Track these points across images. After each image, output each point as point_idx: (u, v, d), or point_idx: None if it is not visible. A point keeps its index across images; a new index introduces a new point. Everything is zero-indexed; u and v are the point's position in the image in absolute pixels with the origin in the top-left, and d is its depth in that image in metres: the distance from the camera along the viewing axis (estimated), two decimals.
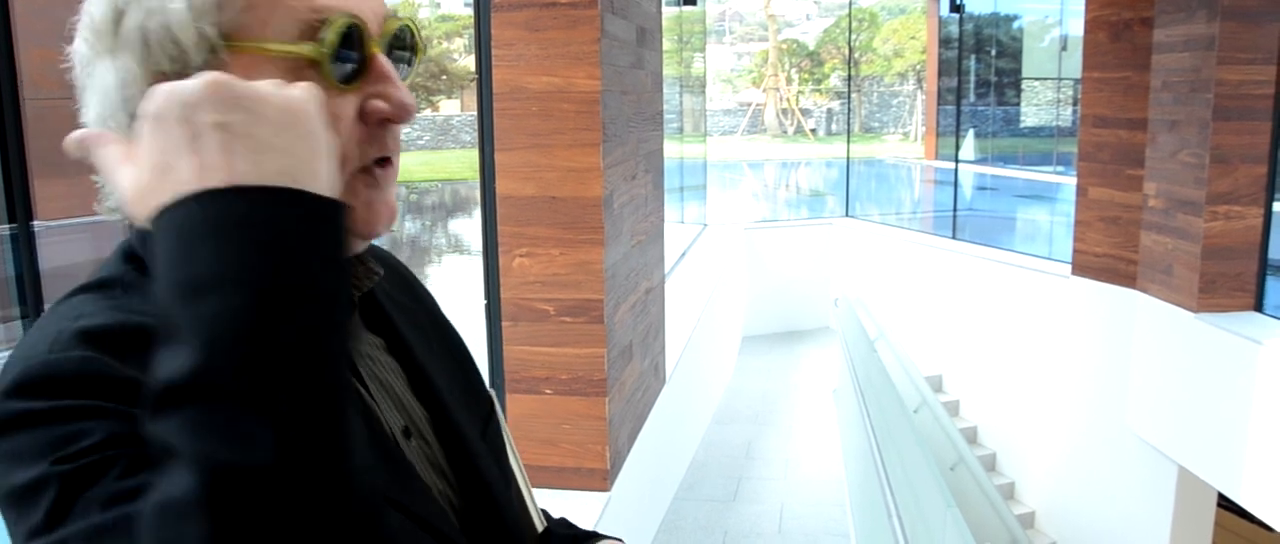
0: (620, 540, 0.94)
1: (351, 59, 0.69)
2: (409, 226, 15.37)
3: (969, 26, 16.12)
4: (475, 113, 3.11)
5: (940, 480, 4.31)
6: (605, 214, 2.93)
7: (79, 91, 0.70)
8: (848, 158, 12.02)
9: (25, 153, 1.99)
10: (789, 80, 30.84)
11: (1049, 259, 7.33)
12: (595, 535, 0.96)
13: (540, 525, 0.95)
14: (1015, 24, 17.51)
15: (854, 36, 26.61)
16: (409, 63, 0.78)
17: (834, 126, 29.80)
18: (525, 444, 2.97)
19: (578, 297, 2.94)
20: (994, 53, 17.38)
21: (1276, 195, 5.44)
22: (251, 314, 0.54)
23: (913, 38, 27.35)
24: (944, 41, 19.05)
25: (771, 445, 7.16)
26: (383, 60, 0.72)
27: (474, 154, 3.09)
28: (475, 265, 3.23)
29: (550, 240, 2.93)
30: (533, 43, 2.87)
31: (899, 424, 5.42)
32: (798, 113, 29.97)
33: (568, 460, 3.01)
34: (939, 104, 18.96)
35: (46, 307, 0.70)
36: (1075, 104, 17.29)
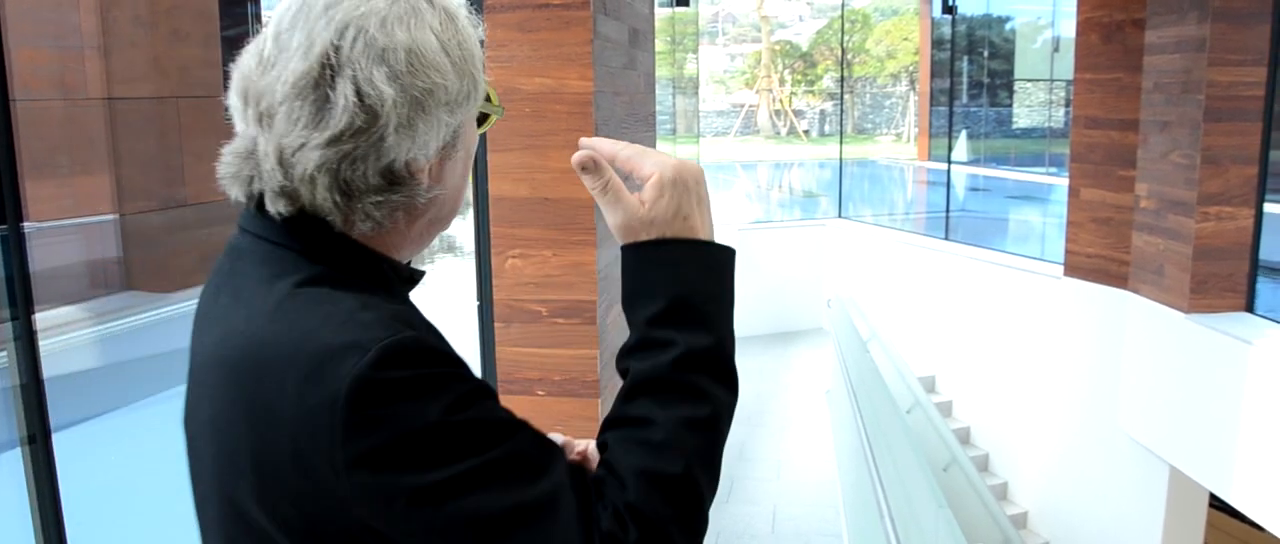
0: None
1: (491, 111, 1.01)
2: None
3: (961, 28, 16.14)
4: None
5: (932, 481, 4.31)
6: (598, 215, 2.92)
7: (401, 125, 0.86)
8: (841, 159, 12.02)
9: (15, 154, 1.98)
10: (782, 81, 30.84)
11: (1041, 260, 7.34)
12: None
13: None
14: (1007, 25, 17.55)
15: (847, 38, 26.63)
16: None
17: (827, 127, 29.77)
18: None
19: (570, 298, 2.93)
20: (986, 54, 17.41)
21: (1267, 196, 5.47)
22: (732, 323, 0.94)
23: (905, 39, 27.36)
24: (936, 43, 19.07)
25: (764, 446, 7.16)
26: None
27: None
28: (468, 266, 3.23)
29: (543, 242, 2.93)
30: (525, 44, 2.87)
31: (892, 425, 5.43)
32: (791, 114, 29.96)
33: None
34: (931, 105, 18.97)
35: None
36: (1067, 105, 17.34)
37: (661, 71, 10.53)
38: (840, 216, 11.16)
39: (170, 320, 6.66)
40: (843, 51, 21.47)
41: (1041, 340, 6.99)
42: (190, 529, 0.99)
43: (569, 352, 2.95)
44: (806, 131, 29.60)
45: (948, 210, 9.44)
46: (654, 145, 3.91)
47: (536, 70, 2.87)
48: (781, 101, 30.45)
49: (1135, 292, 5.96)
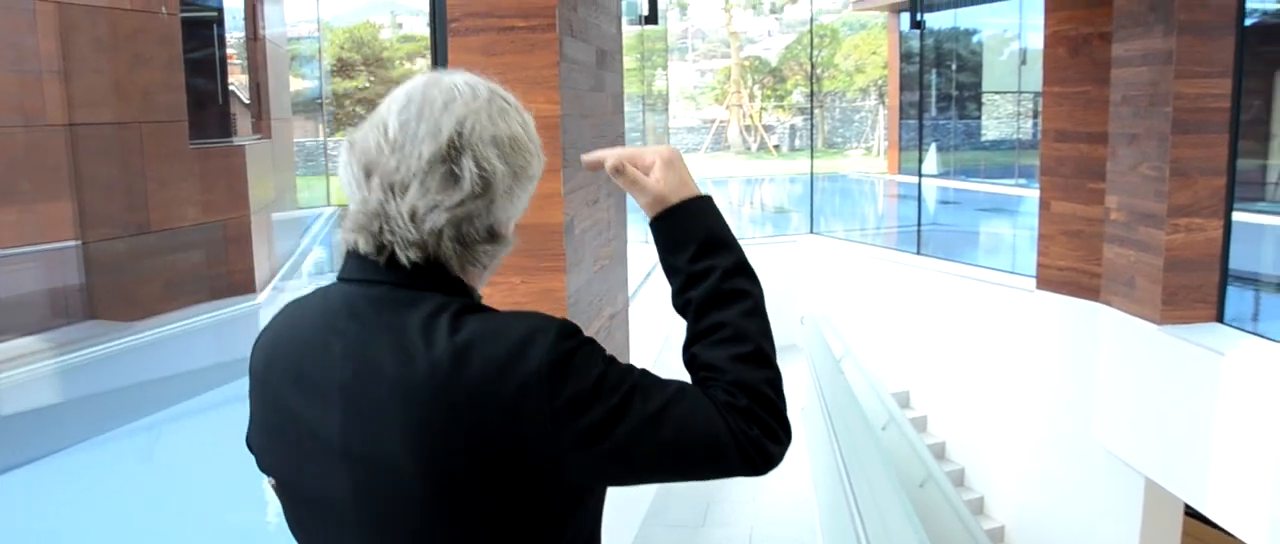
0: None
1: None
2: None
3: (929, 41, 16.23)
4: None
5: (906, 502, 4.27)
6: (567, 241, 2.87)
7: (504, 193, 1.13)
8: (812, 173, 12.02)
9: None
10: (752, 97, 30.89)
11: (1014, 273, 7.34)
12: None
13: None
14: (975, 38, 17.66)
15: (815, 53, 26.74)
16: None
17: (797, 142, 29.84)
18: None
19: None
20: (954, 67, 17.51)
21: (1235, 207, 5.49)
22: (735, 238, 1.25)
23: (873, 53, 27.51)
24: (905, 56, 19.16)
25: None
26: None
27: None
28: None
29: (511, 268, 2.87)
30: (490, 67, 2.80)
31: (866, 443, 5.40)
32: (761, 129, 30.02)
33: None
34: (901, 118, 19.05)
35: None
36: (1035, 117, 17.43)
37: (631, 88, 10.52)
38: (812, 232, 11.14)
39: (136, 350, 6.53)
40: (813, 64, 21.47)
41: (1015, 354, 6.99)
42: None
43: None
44: (777, 147, 29.64)
45: (919, 224, 9.45)
46: None
47: None
48: (751, 117, 30.51)
49: (1107, 304, 5.96)
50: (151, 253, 7.02)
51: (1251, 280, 6.84)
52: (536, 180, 1.20)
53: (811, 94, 22.95)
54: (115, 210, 6.90)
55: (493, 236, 1.12)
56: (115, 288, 6.97)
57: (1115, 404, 5.93)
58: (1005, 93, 17.30)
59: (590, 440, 1.03)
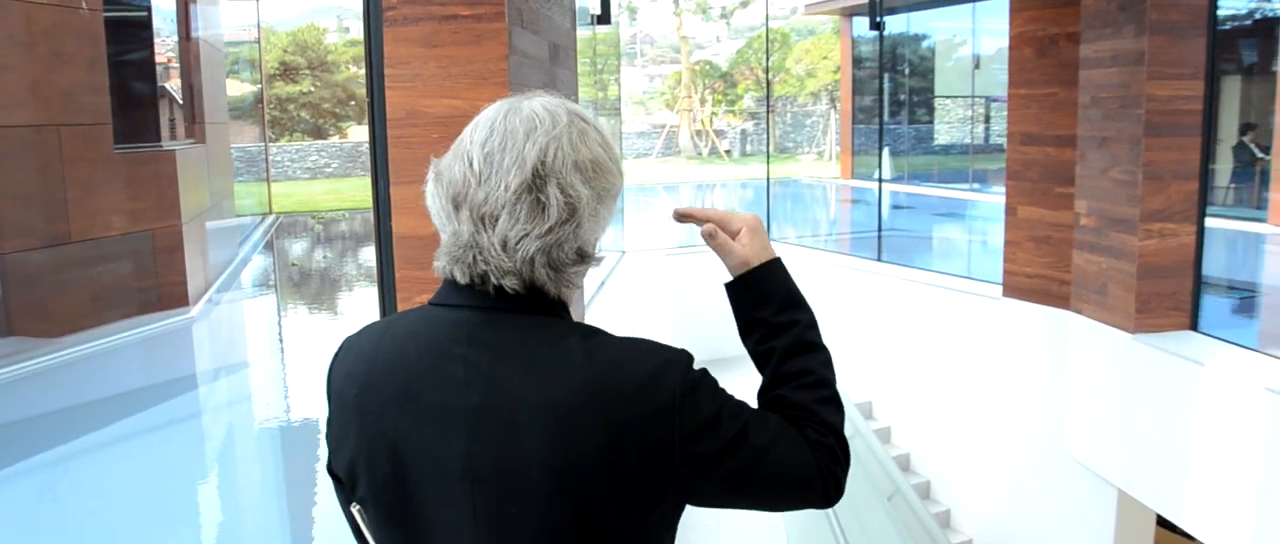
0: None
1: None
2: (319, 257, 14.75)
3: (887, 44, 16.15)
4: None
5: (889, 510, 4.04)
6: None
7: (590, 216, 1.14)
8: (768, 178, 11.82)
9: None
10: (702, 102, 30.79)
11: (979, 280, 7.16)
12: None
13: None
14: (925, 43, 17.63)
15: (766, 60, 26.67)
16: None
17: (748, 147, 29.80)
18: None
19: None
20: (907, 72, 17.46)
21: (1208, 211, 5.34)
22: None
23: (825, 58, 27.50)
24: (857, 61, 19.11)
25: None
26: None
27: None
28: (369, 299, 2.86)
29: None
30: (431, 61, 2.52)
31: None
32: (712, 134, 29.88)
33: None
34: (854, 123, 18.98)
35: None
36: (987, 121, 17.51)
37: (584, 93, 10.27)
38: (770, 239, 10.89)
39: (57, 370, 6.09)
40: (768, 70, 21.36)
41: (981, 363, 6.81)
42: None
43: None
44: (728, 151, 29.53)
45: (879, 230, 9.25)
46: None
47: (444, 90, 2.53)
48: (702, 122, 30.40)
49: (1078, 312, 5.80)
50: (73, 264, 6.55)
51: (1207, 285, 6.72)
52: (618, 197, 1.22)
53: (768, 98, 22.79)
54: (33, 219, 6.42)
55: (582, 257, 1.15)
56: (33, 302, 6.50)
57: (1086, 414, 5.77)
58: (957, 97, 17.28)
59: (709, 466, 1.10)
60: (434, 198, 1.18)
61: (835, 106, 25.70)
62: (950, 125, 18.41)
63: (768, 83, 23.44)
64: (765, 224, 8.80)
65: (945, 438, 7.42)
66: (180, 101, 8.49)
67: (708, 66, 32.06)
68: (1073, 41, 5.75)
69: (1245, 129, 10.22)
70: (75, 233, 6.52)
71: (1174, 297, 5.30)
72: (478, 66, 2.51)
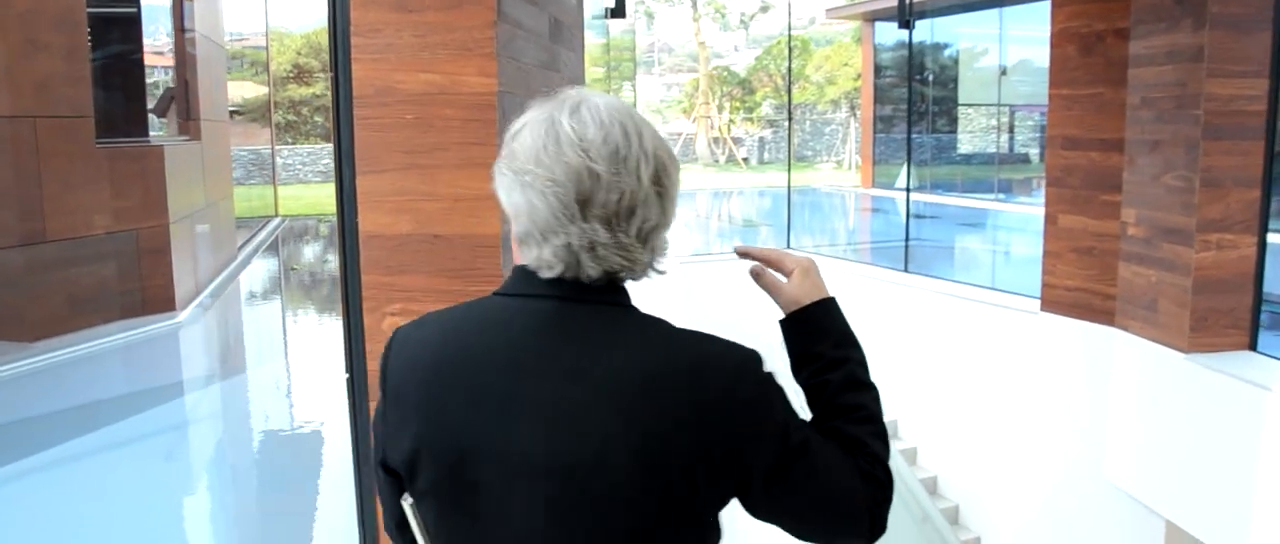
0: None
1: None
2: (326, 261, 14.41)
3: (904, 54, 15.75)
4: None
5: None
6: (506, 256, 2.19)
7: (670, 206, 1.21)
8: (789, 185, 11.44)
9: None
10: (720, 109, 30.47)
11: (1015, 293, 6.74)
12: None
13: None
14: (947, 52, 17.22)
15: (786, 65, 26.34)
16: None
17: (766, 155, 29.49)
18: None
19: None
20: (930, 79, 17.06)
21: (1270, 224, 4.93)
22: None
23: (845, 65, 27.12)
24: (878, 69, 18.76)
25: None
26: None
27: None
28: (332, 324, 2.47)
29: (433, 293, 2.19)
30: (405, 28, 2.14)
31: None
32: (729, 141, 29.54)
33: None
34: (875, 131, 18.60)
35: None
36: (1012, 131, 17.08)
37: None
38: (787, 247, 10.55)
39: (29, 377, 5.70)
40: (789, 75, 21.01)
41: (1016, 382, 6.39)
42: None
43: None
44: (745, 159, 29.22)
45: (907, 240, 8.83)
46: None
47: (421, 63, 2.15)
48: (720, 129, 30.08)
49: (1123, 329, 5.38)
50: (50, 265, 6.18)
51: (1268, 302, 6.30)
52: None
53: (789, 104, 22.43)
54: (6, 217, 6.05)
55: (665, 246, 1.18)
56: (6, 305, 6.14)
57: (1132, 439, 5.35)
58: (985, 105, 16.86)
59: (769, 470, 1.12)
60: (546, 196, 1.10)
61: (855, 114, 25.35)
62: (973, 134, 18.02)
63: (789, 86, 23.08)
64: (786, 232, 8.36)
65: (975, 460, 7.01)
66: (169, 96, 8.14)
67: (726, 73, 31.72)
68: (1121, 38, 5.34)
69: None
70: (51, 231, 6.15)
71: (1232, 313, 4.89)
72: (460, 34, 2.13)
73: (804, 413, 1.23)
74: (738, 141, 29.89)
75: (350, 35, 2.15)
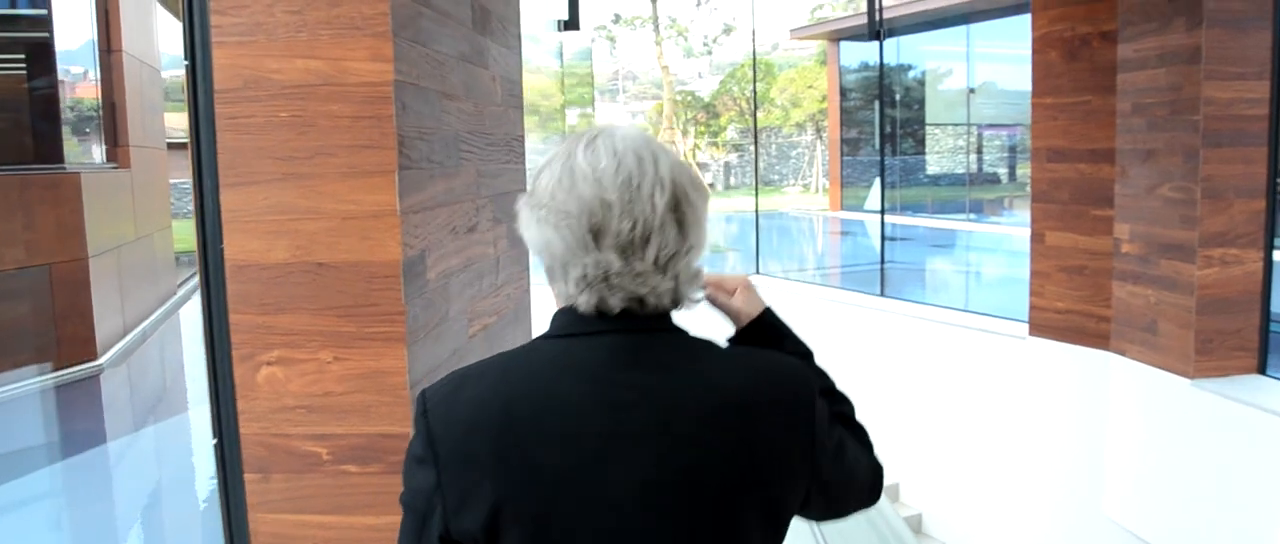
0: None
1: None
2: None
3: (871, 75, 15.50)
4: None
5: None
6: (410, 287, 1.75)
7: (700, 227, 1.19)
8: (757, 210, 11.10)
9: None
10: (685, 133, 30.22)
11: (1000, 317, 6.36)
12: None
13: None
14: (911, 73, 17.02)
15: (751, 88, 26.14)
16: None
17: (732, 180, 29.26)
18: None
19: (368, 430, 1.75)
20: (897, 99, 16.85)
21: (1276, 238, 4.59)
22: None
23: (810, 87, 26.95)
24: (843, 92, 18.58)
25: None
26: None
27: None
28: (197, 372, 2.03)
29: (320, 337, 1.75)
30: (277, 5, 1.71)
31: (833, 523, 4.35)
32: (694, 166, 29.28)
33: None
34: (843, 154, 18.37)
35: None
36: (980, 151, 16.87)
37: (555, 127, 9.82)
38: (758, 272, 10.17)
39: None
40: (754, 98, 20.80)
41: (1004, 412, 6.00)
42: None
43: (368, 519, 1.77)
44: (712, 184, 28.93)
45: (882, 262, 8.45)
46: (522, 179, 2.76)
47: (299, 47, 1.72)
48: (685, 154, 29.79)
49: (1120, 353, 5.02)
50: None
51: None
52: None
53: (754, 128, 22.23)
54: None
55: (697, 274, 1.20)
56: None
57: (1133, 472, 4.97)
58: (954, 125, 16.65)
59: (823, 466, 1.18)
60: (560, 229, 1.12)
61: (821, 137, 25.19)
62: (940, 155, 17.82)
63: (753, 109, 22.89)
64: (755, 257, 7.91)
65: (963, 497, 6.60)
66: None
67: (690, 97, 31.51)
68: (1108, 41, 4.99)
69: None
70: None
71: (1239, 334, 4.53)
72: (345, 9, 1.68)
73: None
74: (703, 167, 29.64)
75: (208, 14, 1.71)
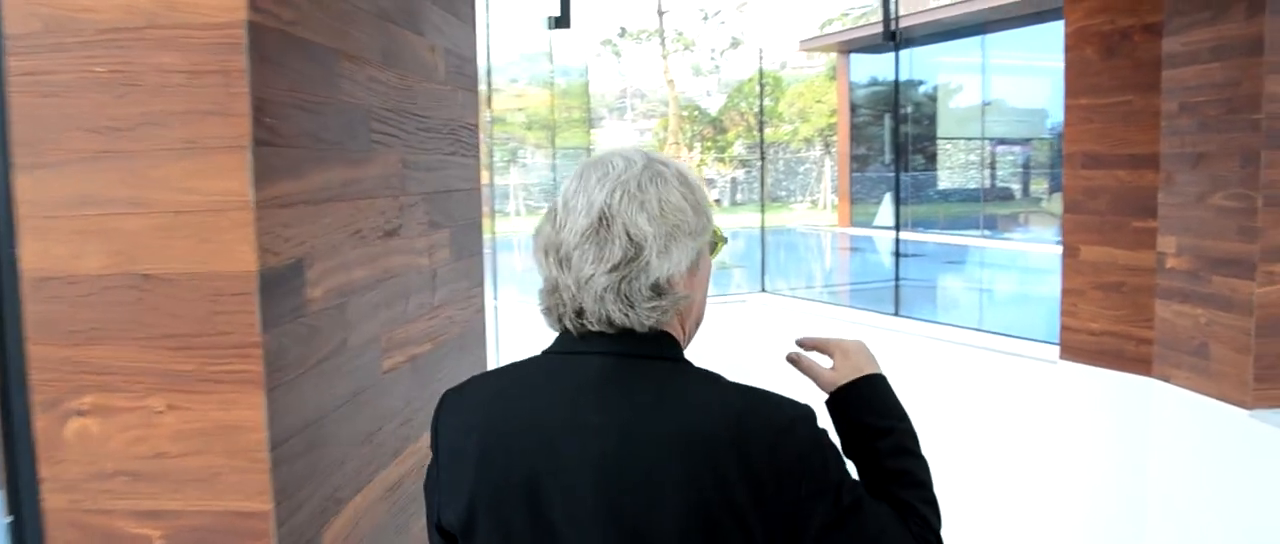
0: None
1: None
2: None
3: (881, 90, 15.15)
4: None
5: None
6: (274, 308, 1.28)
7: (660, 251, 1.16)
8: (763, 226, 10.73)
9: None
10: (690, 148, 29.98)
11: (1028, 339, 5.91)
12: None
13: None
14: (922, 88, 16.66)
15: (759, 102, 25.90)
16: None
17: (738, 196, 29.00)
18: None
19: (213, 506, 1.28)
20: (908, 113, 16.49)
21: None
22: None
23: (818, 101, 26.66)
24: (853, 107, 18.28)
25: None
26: None
27: None
28: None
29: (151, 376, 1.27)
30: None
31: None
32: (702, 182, 29.05)
33: None
34: (853, 170, 18.03)
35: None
36: (994, 167, 16.47)
37: (575, 140, 10.47)
38: (763, 290, 9.74)
39: None
40: (761, 112, 20.56)
41: (1032, 443, 5.56)
42: None
43: None
44: (718, 200, 28.68)
45: (897, 280, 7.99)
46: (476, 173, 2.29)
47: None
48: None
49: (1165, 380, 4.54)
50: None
51: None
52: (705, 235, 1.24)
53: (762, 143, 21.99)
54: None
55: (657, 292, 1.15)
56: None
57: (1181, 512, 4.51)
58: (968, 140, 16.27)
59: (821, 530, 1.12)
60: (545, 254, 1.18)
61: (829, 152, 24.89)
62: (952, 171, 17.44)
63: (760, 123, 22.66)
64: (761, 275, 7.42)
65: (986, 537, 6.16)
66: None
67: (696, 112, 31.26)
68: (1152, 34, 4.53)
69: None
70: None
71: None
72: None
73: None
74: (710, 182, 29.38)
75: None
